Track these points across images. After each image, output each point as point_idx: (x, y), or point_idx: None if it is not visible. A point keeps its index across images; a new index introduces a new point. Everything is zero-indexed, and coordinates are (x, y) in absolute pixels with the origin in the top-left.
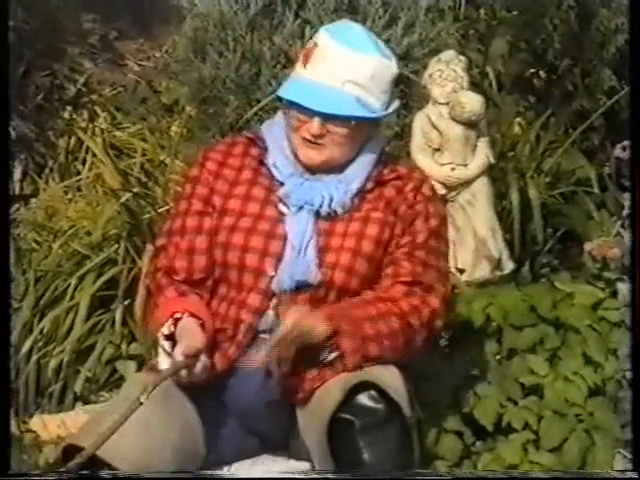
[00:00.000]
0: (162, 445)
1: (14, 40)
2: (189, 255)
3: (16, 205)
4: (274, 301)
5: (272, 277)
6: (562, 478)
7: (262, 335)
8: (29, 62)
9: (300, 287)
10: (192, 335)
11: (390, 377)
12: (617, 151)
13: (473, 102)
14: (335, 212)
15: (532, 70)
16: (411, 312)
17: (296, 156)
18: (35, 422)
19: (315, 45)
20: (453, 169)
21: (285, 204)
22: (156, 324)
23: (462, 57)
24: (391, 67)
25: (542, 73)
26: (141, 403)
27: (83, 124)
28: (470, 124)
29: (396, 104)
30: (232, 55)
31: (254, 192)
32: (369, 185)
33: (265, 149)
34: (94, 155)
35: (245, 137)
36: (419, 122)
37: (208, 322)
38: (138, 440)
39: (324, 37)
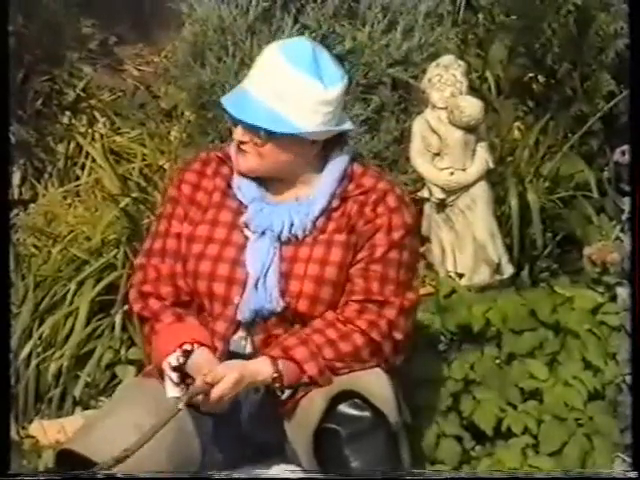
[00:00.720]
0: (156, 448)
1: (13, 45)
2: (172, 280)
3: (15, 210)
4: (242, 330)
5: (238, 304)
6: (562, 478)
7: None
8: (28, 67)
9: (264, 315)
10: (212, 365)
11: (375, 382)
12: (616, 155)
13: (472, 107)
14: (296, 237)
15: (531, 75)
16: (370, 328)
17: (262, 178)
18: (35, 427)
19: (261, 55)
20: (452, 174)
21: (248, 228)
22: (160, 353)
23: (461, 62)
24: (319, 89)
25: (541, 78)
26: (179, 409)
27: (82, 129)
28: (469, 129)
29: (332, 125)
30: (231, 60)
31: (222, 216)
32: (335, 203)
33: (232, 169)
34: (93, 160)
35: (215, 155)
36: (418, 127)
37: (213, 346)
38: (129, 443)
39: (271, 49)
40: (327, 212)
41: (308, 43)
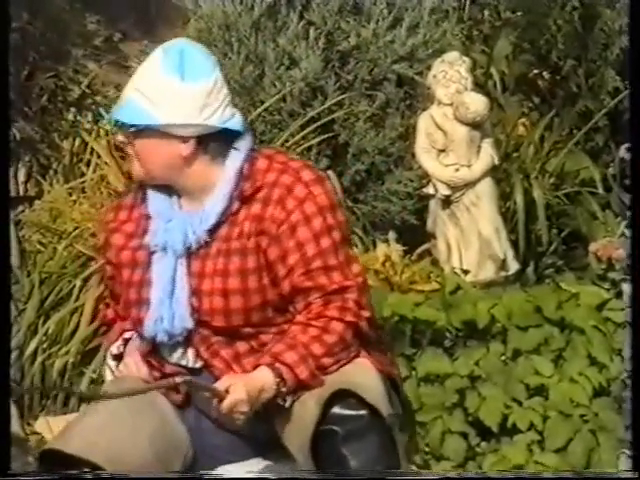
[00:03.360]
0: (136, 434)
1: (18, 42)
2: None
3: (20, 207)
4: (180, 347)
5: (148, 324)
6: (566, 478)
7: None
8: (33, 64)
9: (179, 333)
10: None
11: (363, 376)
12: (621, 152)
13: (477, 103)
14: (192, 249)
15: (536, 71)
16: (342, 313)
17: (176, 192)
18: (40, 424)
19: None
20: (457, 170)
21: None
22: (108, 342)
23: (466, 58)
24: (175, 83)
25: (546, 74)
26: (176, 382)
27: (87, 126)
28: (474, 125)
29: (199, 120)
30: (236, 56)
31: (144, 240)
32: (234, 207)
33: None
34: (98, 157)
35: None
36: (423, 123)
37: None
38: (107, 430)
39: (160, 48)
40: (227, 217)
41: (183, 41)
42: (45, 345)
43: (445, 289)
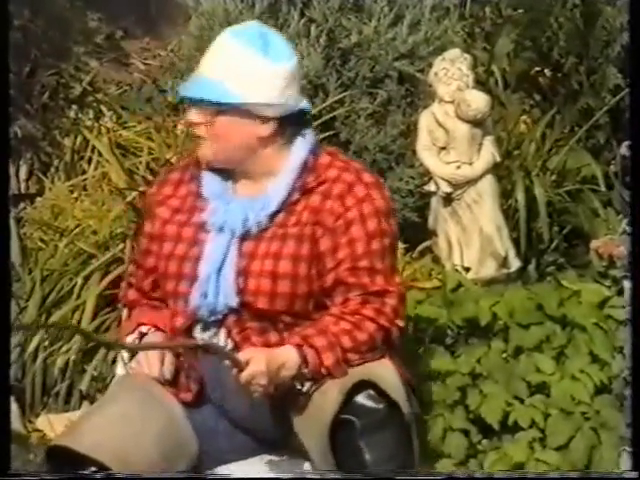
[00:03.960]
0: (142, 434)
1: (20, 39)
2: (152, 275)
3: (22, 204)
4: (214, 327)
5: (193, 300)
6: (566, 478)
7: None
8: (35, 61)
9: (222, 311)
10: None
11: (385, 373)
12: (623, 149)
13: (478, 100)
14: (250, 232)
15: (537, 68)
16: (377, 315)
17: (232, 175)
18: (41, 421)
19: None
20: (459, 167)
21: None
22: (122, 334)
23: (467, 55)
24: (264, 63)
25: (547, 71)
26: (196, 344)
27: (89, 123)
28: (476, 122)
29: (282, 101)
30: None
31: (193, 217)
32: (295, 196)
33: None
34: (100, 154)
35: (194, 158)
36: (425, 120)
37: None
38: (114, 431)
39: (222, 33)
40: (287, 206)
41: (257, 24)
42: (46, 343)
43: (446, 287)
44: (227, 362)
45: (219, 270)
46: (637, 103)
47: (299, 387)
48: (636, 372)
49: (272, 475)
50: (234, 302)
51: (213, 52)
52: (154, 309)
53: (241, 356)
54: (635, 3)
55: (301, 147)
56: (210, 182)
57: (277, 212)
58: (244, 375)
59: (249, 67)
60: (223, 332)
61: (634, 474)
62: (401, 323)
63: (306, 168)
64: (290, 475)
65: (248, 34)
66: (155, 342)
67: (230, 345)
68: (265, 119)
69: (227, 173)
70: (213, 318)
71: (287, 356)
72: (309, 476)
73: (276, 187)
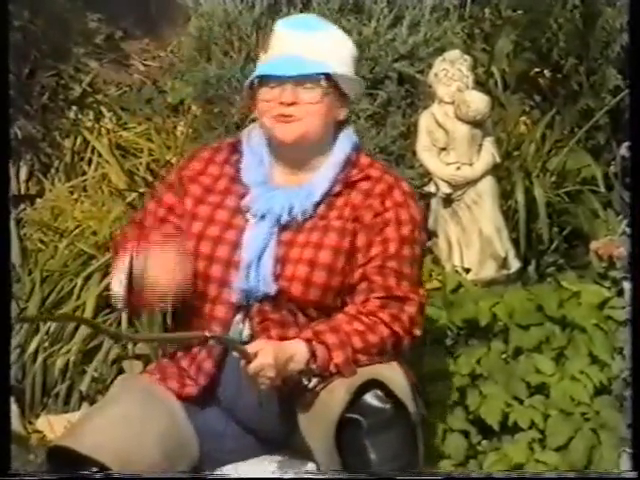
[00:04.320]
0: (144, 436)
1: (19, 40)
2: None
3: (22, 205)
4: (240, 313)
5: (235, 287)
6: (566, 478)
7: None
8: (34, 62)
9: (257, 298)
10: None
11: (393, 374)
12: (623, 150)
13: (478, 101)
14: (295, 220)
15: (537, 69)
16: (393, 321)
17: (270, 163)
18: (41, 422)
19: (272, 31)
20: (459, 168)
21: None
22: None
23: (467, 56)
24: (346, 40)
25: (547, 72)
26: (207, 337)
27: (89, 124)
28: (475, 123)
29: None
30: (237, 54)
31: (227, 201)
32: (337, 188)
33: (242, 155)
34: (100, 155)
35: (228, 143)
36: (425, 121)
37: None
38: (116, 432)
39: (279, 24)
40: (328, 198)
41: (306, 15)
42: (47, 343)
43: (446, 287)
44: (235, 353)
45: (259, 258)
46: (637, 104)
47: (305, 382)
48: (636, 373)
49: (276, 475)
50: (271, 289)
51: (284, 38)
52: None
53: (250, 348)
54: (635, 4)
55: (345, 142)
56: (249, 168)
57: (319, 203)
58: (252, 367)
59: (342, 47)
60: (245, 320)
61: (633, 474)
62: (417, 332)
63: (349, 162)
64: (292, 475)
65: (321, 19)
66: (165, 334)
67: (247, 333)
68: (345, 101)
69: (265, 161)
70: (249, 302)
71: (296, 349)
72: (312, 476)
73: (320, 178)
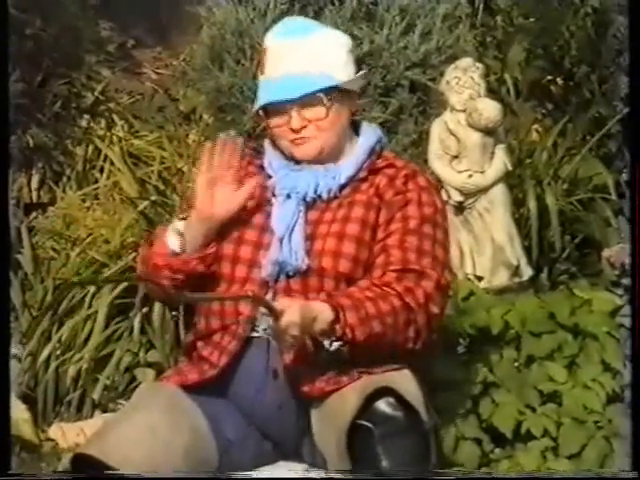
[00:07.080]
0: (170, 449)
1: (32, 48)
2: None
3: (34, 213)
4: (269, 293)
5: (266, 262)
6: (560, 478)
7: (260, 327)
8: (47, 70)
9: (289, 274)
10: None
11: (406, 382)
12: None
13: (490, 109)
14: (320, 197)
15: (549, 77)
16: (406, 293)
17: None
18: (54, 430)
19: (265, 50)
20: (470, 176)
21: (274, 194)
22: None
23: (479, 64)
24: (340, 37)
25: (559, 80)
26: (250, 295)
27: (101, 132)
28: (487, 131)
29: (361, 72)
30: (249, 63)
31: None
32: (362, 174)
33: (262, 152)
34: (112, 163)
35: (249, 147)
36: (436, 129)
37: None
38: (143, 444)
39: (269, 37)
40: (354, 182)
41: (293, 18)
42: (59, 352)
43: (458, 295)
44: (264, 309)
45: (290, 234)
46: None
47: (327, 345)
48: (636, 377)
49: (289, 475)
50: (303, 263)
51: (278, 55)
52: None
53: (278, 304)
54: (634, 6)
55: (370, 133)
56: (276, 159)
57: (344, 186)
58: (280, 324)
59: (338, 48)
60: (273, 298)
61: (634, 474)
62: (434, 309)
63: (374, 152)
64: (294, 475)
65: (309, 22)
66: (208, 294)
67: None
68: (353, 97)
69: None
70: (276, 279)
71: (321, 310)
72: (319, 476)
73: (346, 163)
